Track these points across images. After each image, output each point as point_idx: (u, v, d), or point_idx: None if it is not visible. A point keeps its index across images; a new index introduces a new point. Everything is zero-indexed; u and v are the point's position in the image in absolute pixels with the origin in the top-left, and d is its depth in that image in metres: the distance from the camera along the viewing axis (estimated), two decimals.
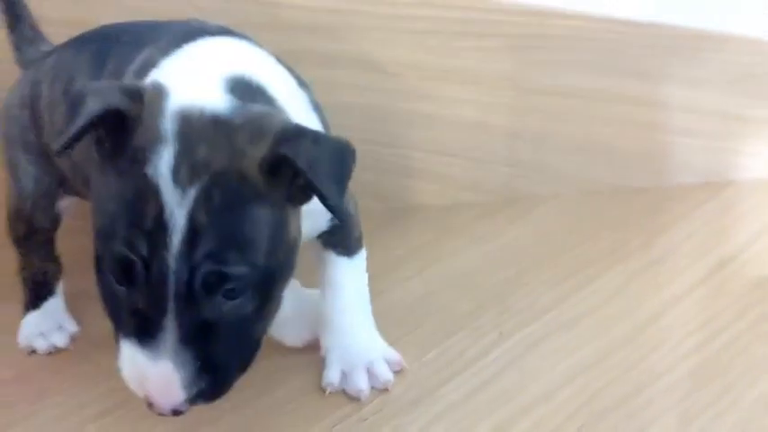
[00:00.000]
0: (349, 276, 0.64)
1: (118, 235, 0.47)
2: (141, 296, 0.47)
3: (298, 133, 0.49)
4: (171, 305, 0.47)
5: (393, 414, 0.60)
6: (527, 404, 0.60)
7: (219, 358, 0.49)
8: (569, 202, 0.88)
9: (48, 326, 0.71)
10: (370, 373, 0.63)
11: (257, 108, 0.51)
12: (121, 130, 0.48)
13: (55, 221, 0.70)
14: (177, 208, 0.46)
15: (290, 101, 0.54)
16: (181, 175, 0.46)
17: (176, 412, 0.49)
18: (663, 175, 0.90)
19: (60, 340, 0.70)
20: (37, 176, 0.69)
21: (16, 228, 0.70)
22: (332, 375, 0.63)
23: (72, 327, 0.71)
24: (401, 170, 0.91)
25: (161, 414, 0.49)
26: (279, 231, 0.50)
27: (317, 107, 0.60)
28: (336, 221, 0.59)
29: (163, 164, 0.47)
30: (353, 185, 0.52)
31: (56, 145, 0.48)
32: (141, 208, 0.46)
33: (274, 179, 0.49)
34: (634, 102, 0.87)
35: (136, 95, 0.49)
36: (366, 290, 0.65)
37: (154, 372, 0.48)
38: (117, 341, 0.50)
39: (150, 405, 0.49)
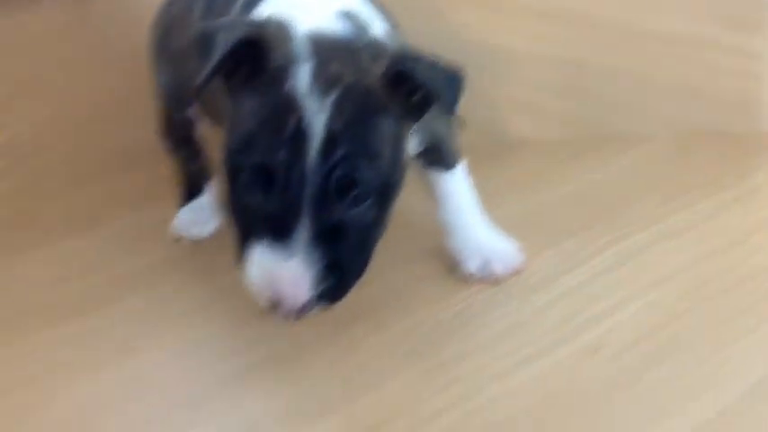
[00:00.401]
0: (455, 185, 0.70)
1: (259, 146, 0.51)
2: (277, 201, 0.51)
3: (415, 54, 0.55)
4: (305, 207, 0.51)
5: (509, 299, 0.67)
6: (639, 290, 0.66)
7: (343, 260, 0.53)
8: (666, 143, 0.92)
9: (195, 219, 0.80)
10: (501, 261, 0.69)
11: (373, 35, 0.57)
12: (253, 58, 0.53)
13: (190, 125, 0.78)
14: (315, 117, 0.51)
15: (386, 38, 0.59)
16: (317, 88, 0.51)
17: (301, 313, 0.53)
18: (759, 122, 0.93)
19: (204, 232, 0.79)
20: (171, 81, 0.76)
21: (162, 129, 0.80)
22: (473, 265, 0.69)
23: (215, 222, 0.80)
24: (504, 106, 0.97)
25: (285, 317, 0.52)
26: (399, 144, 0.56)
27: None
28: (428, 143, 0.65)
29: (300, 79, 0.52)
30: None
31: (197, 80, 0.52)
32: (282, 119, 0.51)
33: (394, 94, 0.54)
34: (732, 50, 0.90)
35: (263, 27, 0.54)
36: (474, 193, 0.71)
37: (285, 269, 0.51)
38: (243, 249, 0.54)
39: (275, 308, 0.53)
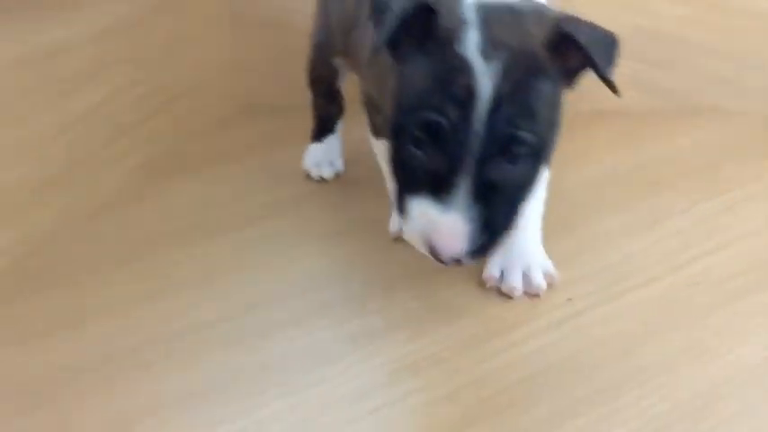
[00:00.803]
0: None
1: (430, 104, 0.54)
2: (441, 157, 0.55)
3: (575, 19, 0.57)
4: (468, 164, 0.54)
5: (621, 235, 0.77)
6: (733, 238, 0.76)
7: (498, 217, 0.56)
8: (756, 117, 1.00)
9: (323, 158, 0.89)
10: (525, 277, 0.68)
11: (535, 3, 0.59)
12: (423, 24, 0.56)
13: (334, 72, 0.86)
14: (485, 78, 0.53)
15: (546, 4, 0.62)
16: (487, 51, 0.54)
17: (458, 262, 0.56)
18: None
19: (327, 173, 0.89)
20: (322, 31, 0.84)
21: (309, 72, 0.89)
22: (492, 270, 0.69)
23: (339, 165, 0.90)
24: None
25: (441, 262, 0.56)
26: (556, 108, 0.58)
27: None
28: None
29: (471, 43, 0.55)
30: None
31: (378, 40, 0.55)
32: (452, 80, 0.54)
33: (556, 56, 0.56)
34: None
35: None
36: (540, 205, 0.71)
37: (445, 222, 0.55)
38: (404, 201, 0.58)
39: (433, 255, 0.57)
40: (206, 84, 1.03)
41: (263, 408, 0.58)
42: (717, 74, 1.03)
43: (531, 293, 0.68)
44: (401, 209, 0.58)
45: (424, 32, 0.56)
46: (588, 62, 0.56)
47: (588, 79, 0.97)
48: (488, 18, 0.56)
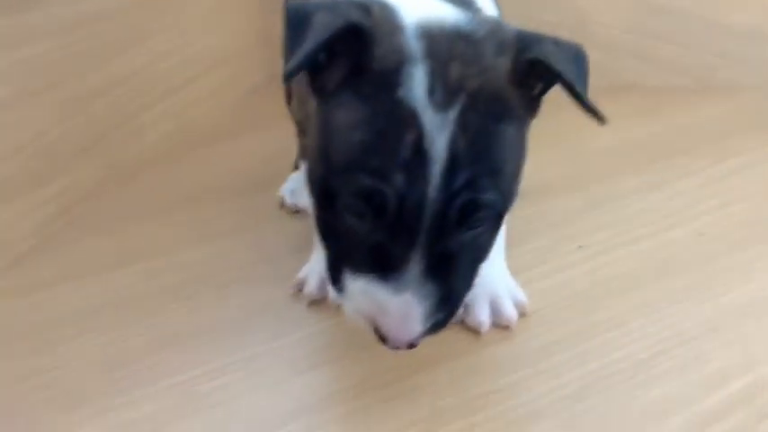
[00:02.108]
0: None
1: (367, 166, 0.43)
2: (388, 230, 0.45)
3: (537, 38, 0.47)
4: (421, 237, 0.44)
5: (634, 192, 0.81)
6: (737, 197, 0.80)
7: (454, 288, 0.48)
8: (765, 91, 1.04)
9: (297, 189, 0.79)
10: (494, 308, 0.61)
11: (487, 17, 0.50)
12: (354, 51, 0.44)
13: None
14: (438, 134, 0.43)
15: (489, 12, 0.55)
16: (438, 98, 0.43)
17: (411, 346, 0.48)
18: None
19: (302, 203, 0.77)
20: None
21: (285, 101, 0.76)
22: (482, 313, 0.60)
23: None
24: (616, 50, 1.12)
25: (395, 348, 0.48)
26: (522, 150, 0.49)
27: None
28: None
29: (417, 86, 0.43)
30: None
31: (286, 68, 0.43)
32: (397, 135, 0.43)
33: (522, 88, 0.47)
34: None
35: (367, 11, 0.45)
36: (502, 234, 0.62)
37: (395, 305, 0.46)
38: (339, 277, 0.48)
39: (383, 340, 0.48)
40: (242, 52, 1.09)
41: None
42: (728, 49, 1.07)
43: (502, 325, 0.61)
44: (336, 283, 0.49)
45: (356, 63, 0.45)
46: (566, 88, 0.46)
47: (606, 57, 1.03)
48: (438, 49, 0.45)
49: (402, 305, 0.46)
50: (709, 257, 0.70)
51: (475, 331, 0.61)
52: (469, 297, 0.57)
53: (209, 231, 0.78)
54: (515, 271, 0.67)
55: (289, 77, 0.43)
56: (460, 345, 0.60)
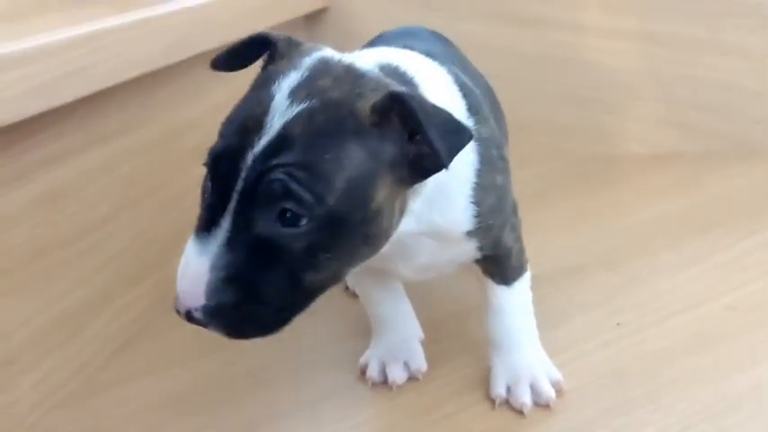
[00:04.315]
0: (510, 302, 0.68)
1: (221, 131, 0.51)
2: (212, 189, 0.49)
3: (418, 96, 0.51)
4: (233, 204, 0.47)
5: (671, 266, 0.88)
6: None
7: (255, 282, 0.48)
8: None
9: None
10: (534, 389, 0.68)
11: (389, 79, 0.53)
12: (269, 61, 0.55)
13: None
14: (280, 116, 0.48)
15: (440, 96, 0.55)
16: (297, 94, 0.49)
17: (190, 317, 0.48)
18: None
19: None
20: None
21: None
22: (498, 389, 0.68)
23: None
24: (654, 120, 1.19)
25: (178, 311, 0.49)
26: (364, 182, 0.48)
27: (476, 112, 0.59)
28: (489, 252, 0.63)
29: (286, 82, 0.50)
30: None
31: (214, 60, 0.56)
32: (249, 111, 0.49)
33: (382, 125, 0.49)
34: None
35: (291, 41, 0.55)
36: (529, 309, 0.70)
37: (188, 265, 0.48)
38: None
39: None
40: None
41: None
42: (765, 117, 1.13)
43: (542, 405, 0.68)
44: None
45: (266, 65, 0.56)
46: (416, 127, 0.49)
47: (646, 127, 1.10)
48: (320, 68, 0.51)
49: (194, 267, 0.47)
50: (738, 332, 0.76)
51: (519, 412, 0.68)
52: (512, 381, 0.68)
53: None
54: (558, 350, 0.74)
55: (214, 63, 0.56)
56: (507, 425, 0.67)
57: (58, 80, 0.70)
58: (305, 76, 0.50)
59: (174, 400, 0.76)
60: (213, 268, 0.47)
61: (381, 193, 0.49)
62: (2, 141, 0.68)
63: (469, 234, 0.59)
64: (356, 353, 0.77)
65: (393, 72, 0.55)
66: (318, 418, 0.71)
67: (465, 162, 0.57)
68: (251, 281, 0.48)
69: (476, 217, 0.58)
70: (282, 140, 0.47)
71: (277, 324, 0.51)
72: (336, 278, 0.52)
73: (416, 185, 0.53)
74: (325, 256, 0.49)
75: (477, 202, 0.58)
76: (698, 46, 1.15)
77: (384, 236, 0.52)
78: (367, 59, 0.55)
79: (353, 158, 0.48)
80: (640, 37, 1.18)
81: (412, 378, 0.74)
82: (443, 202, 0.57)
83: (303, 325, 0.84)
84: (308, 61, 0.52)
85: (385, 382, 0.73)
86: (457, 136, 0.49)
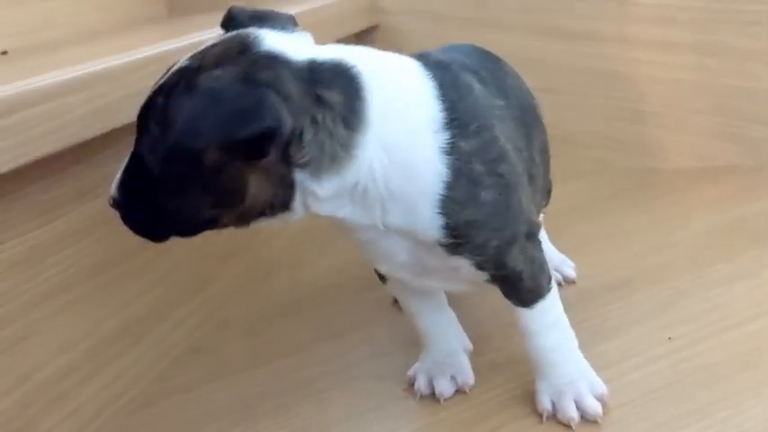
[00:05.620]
0: (535, 323, 0.68)
1: None
2: None
3: (270, 61, 0.55)
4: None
5: (722, 281, 0.86)
6: None
7: (132, 190, 0.58)
8: None
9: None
10: (578, 405, 0.68)
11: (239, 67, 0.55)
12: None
13: None
14: (171, 74, 0.56)
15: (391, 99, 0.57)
16: (201, 54, 0.56)
17: (111, 202, 0.59)
18: None
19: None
20: None
21: None
22: (544, 403, 0.69)
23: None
24: (707, 133, 1.17)
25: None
26: (191, 138, 0.52)
27: (460, 125, 0.58)
28: (494, 272, 0.63)
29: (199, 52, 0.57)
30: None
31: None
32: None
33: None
34: None
35: (253, 17, 0.61)
36: (561, 325, 0.69)
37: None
38: None
39: None
40: None
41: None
42: None
43: (590, 420, 0.68)
44: None
45: None
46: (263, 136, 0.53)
47: (696, 136, 1.08)
48: (224, 41, 0.57)
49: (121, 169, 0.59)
50: None
51: (567, 426, 0.68)
52: (555, 396, 0.69)
53: (333, 329, 0.90)
54: (608, 365, 0.74)
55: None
56: None
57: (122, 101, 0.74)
58: (208, 45, 0.57)
59: (227, 410, 0.78)
60: (121, 171, 0.58)
61: (211, 156, 0.52)
62: (65, 161, 0.71)
63: (445, 246, 0.60)
64: (405, 366, 0.78)
65: (332, 68, 0.56)
66: (367, 428, 0.72)
67: (426, 171, 0.57)
68: (130, 187, 0.58)
69: (445, 229, 0.59)
70: (160, 89, 0.55)
71: (150, 232, 0.59)
72: (202, 222, 0.58)
73: (319, 178, 0.56)
74: (171, 187, 0.55)
75: (447, 214, 0.58)
76: (751, 57, 1.13)
77: (237, 200, 0.56)
78: (313, 52, 0.57)
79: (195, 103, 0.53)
80: (692, 49, 1.17)
81: (459, 391, 0.74)
82: (400, 206, 0.58)
83: (353, 338, 0.89)
84: (226, 36, 0.58)
85: (432, 394, 0.74)
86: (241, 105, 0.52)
